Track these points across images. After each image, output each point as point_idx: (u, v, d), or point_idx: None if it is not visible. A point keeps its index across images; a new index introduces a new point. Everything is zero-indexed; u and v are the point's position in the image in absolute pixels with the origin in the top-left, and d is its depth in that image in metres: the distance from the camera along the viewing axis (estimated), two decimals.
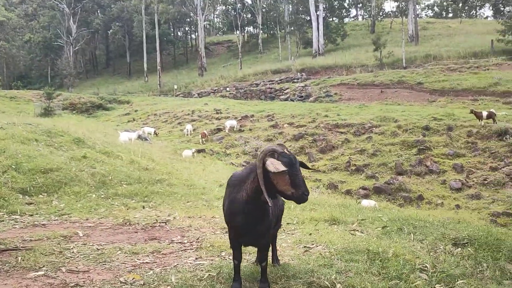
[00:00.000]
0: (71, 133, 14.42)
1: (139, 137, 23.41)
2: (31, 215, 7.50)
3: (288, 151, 3.41)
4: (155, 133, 27.87)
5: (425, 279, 4.02)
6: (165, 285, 3.61)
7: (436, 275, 4.13)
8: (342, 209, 8.02)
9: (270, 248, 4.01)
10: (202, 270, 4.07)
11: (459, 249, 5.07)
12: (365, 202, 14.36)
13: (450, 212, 17.25)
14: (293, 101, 39.32)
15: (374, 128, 25.09)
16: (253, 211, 3.52)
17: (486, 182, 19.10)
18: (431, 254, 4.79)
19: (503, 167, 19.76)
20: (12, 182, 9.12)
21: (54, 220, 7.19)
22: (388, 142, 23.31)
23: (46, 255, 4.59)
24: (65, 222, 7.00)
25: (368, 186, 19.32)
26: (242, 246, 3.82)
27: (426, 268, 4.28)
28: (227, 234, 5.94)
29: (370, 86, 39.02)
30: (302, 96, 40.27)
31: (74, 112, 42.24)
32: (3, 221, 6.95)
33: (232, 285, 3.68)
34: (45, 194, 9.17)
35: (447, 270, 4.27)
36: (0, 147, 10.84)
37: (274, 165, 3.23)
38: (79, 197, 9.18)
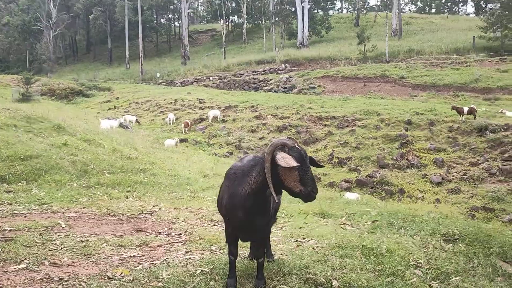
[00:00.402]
0: (51, 119, 14.04)
1: (121, 125, 23.00)
2: (10, 204, 7.24)
3: (298, 146, 3.23)
4: (137, 121, 27.46)
5: (420, 276, 3.96)
6: (156, 281, 3.42)
7: (431, 272, 4.08)
8: (329, 202, 7.95)
9: None
10: (193, 265, 3.90)
11: (450, 245, 5.04)
12: (349, 195, 14.39)
13: (430, 206, 17.44)
14: (277, 92, 39.17)
15: (357, 121, 25.18)
16: (255, 206, 3.34)
17: (465, 177, 19.35)
18: (423, 250, 4.74)
19: (483, 163, 20.05)
20: None
21: (34, 209, 6.94)
22: (371, 136, 23.43)
23: (27, 246, 4.36)
24: (46, 211, 6.76)
25: (351, 179, 19.39)
26: (239, 241, 3.66)
27: (420, 265, 4.22)
28: (215, 226, 5.83)
29: (354, 79, 39.13)
30: (286, 88, 40.16)
31: (53, 98, 41.33)
32: None
33: (227, 281, 3.51)
34: (24, 182, 8.89)
35: (441, 267, 4.22)
36: None
37: (286, 160, 3.04)
38: (60, 186, 8.92)
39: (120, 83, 53.06)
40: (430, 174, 19.69)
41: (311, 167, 3.29)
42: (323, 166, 3.71)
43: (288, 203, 7.41)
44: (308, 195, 3.12)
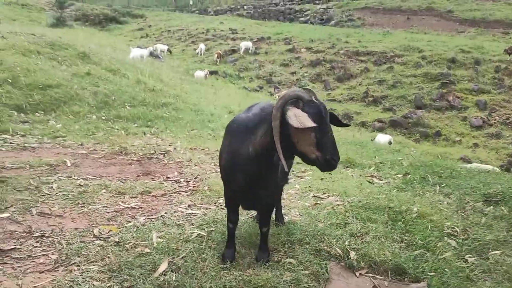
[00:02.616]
0: (77, 46, 13.58)
1: (151, 54, 22.47)
2: (23, 135, 6.98)
3: (317, 99, 2.50)
4: (169, 51, 26.81)
5: (455, 247, 3.41)
6: (143, 246, 2.99)
7: (468, 243, 3.52)
8: (358, 149, 7.35)
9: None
10: (192, 224, 3.44)
11: (491, 207, 4.43)
12: (381, 136, 13.68)
13: (467, 151, 16.63)
14: (313, 24, 37.33)
15: (396, 58, 23.77)
16: (259, 172, 2.71)
17: (508, 121, 18.26)
18: (460, 213, 4.15)
19: None
20: (7, 97, 8.56)
21: (47, 143, 6.65)
22: (410, 74, 22.13)
23: (19, 190, 3.99)
24: (58, 146, 6.46)
25: (385, 119, 18.58)
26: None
27: (456, 233, 3.65)
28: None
29: (396, 11, 36.72)
30: (322, 19, 38.19)
31: (86, 24, 40.86)
32: None
33: (224, 252, 3.01)
34: (42, 112, 8.62)
35: (480, 236, 3.64)
36: None
37: (299, 118, 2.34)
38: (78, 118, 8.62)
39: (154, 10, 51.93)
40: (471, 117, 18.61)
41: (333, 126, 2.60)
42: (349, 125, 2.88)
43: None
44: (326, 163, 2.45)
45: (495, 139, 17.33)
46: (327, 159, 2.44)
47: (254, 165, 2.67)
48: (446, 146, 17.14)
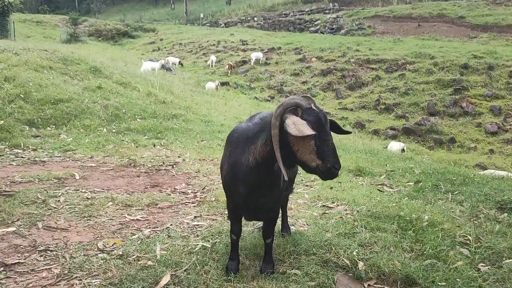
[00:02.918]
0: (89, 61, 13.75)
1: (163, 67, 22.67)
2: (35, 150, 7.05)
3: (316, 107, 2.47)
4: (180, 64, 27.05)
5: (467, 256, 3.31)
6: (146, 258, 2.95)
7: (480, 251, 3.41)
8: (369, 157, 7.23)
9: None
10: (198, 236, 3.40)
11: (505, 214, 4.31)
12: (393, 144, 13.52)
13: (482, 157, 16.36)
14: (323, 33, 37.34)
15: (408, 65, 23.60)
16: (260, 181, 2.65)
17: None
18: (473, 221, 4.04)
19: None
20: (19, 112, 8.66)
21: (57, 156, 6.69)
22: (422, 81, 21.93)
23: (26, 204, 4.00)
24: (67, 159, 6.49)
25: (397, 127, 18.40)
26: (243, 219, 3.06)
27: (468, 241, 3.54)
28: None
29: (407, 19, 36.55)
30: (333, 29, 38.18)
31: (100, 39, 41.55)
32: (2, 155, 6.49)
33: (228, 264, 2.95)
34: (53, 126, 8.71)
35: (493, 244, 3.53)
36: (10, 74, 10.34)
37: (297, 126, 2.30)
38: (89, 131, 8.68)
39: (165, 24, 52.57)
40: (485, 123, 18.33)
41: (333, 133, 2.55)
42: (350, 132, 2.82)
43: None
44: (327, 171, 2.40)
45: (511, 145, 17.04)
46: (328, 167, 2.39)
47: (255, 174, 2.63)
48: (461, 152, 16.89)
